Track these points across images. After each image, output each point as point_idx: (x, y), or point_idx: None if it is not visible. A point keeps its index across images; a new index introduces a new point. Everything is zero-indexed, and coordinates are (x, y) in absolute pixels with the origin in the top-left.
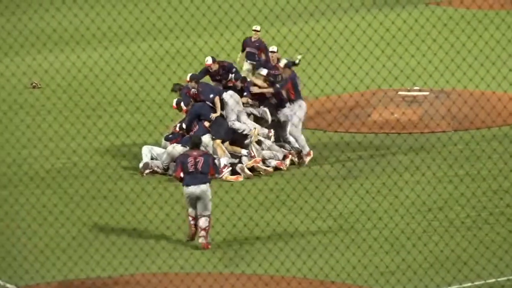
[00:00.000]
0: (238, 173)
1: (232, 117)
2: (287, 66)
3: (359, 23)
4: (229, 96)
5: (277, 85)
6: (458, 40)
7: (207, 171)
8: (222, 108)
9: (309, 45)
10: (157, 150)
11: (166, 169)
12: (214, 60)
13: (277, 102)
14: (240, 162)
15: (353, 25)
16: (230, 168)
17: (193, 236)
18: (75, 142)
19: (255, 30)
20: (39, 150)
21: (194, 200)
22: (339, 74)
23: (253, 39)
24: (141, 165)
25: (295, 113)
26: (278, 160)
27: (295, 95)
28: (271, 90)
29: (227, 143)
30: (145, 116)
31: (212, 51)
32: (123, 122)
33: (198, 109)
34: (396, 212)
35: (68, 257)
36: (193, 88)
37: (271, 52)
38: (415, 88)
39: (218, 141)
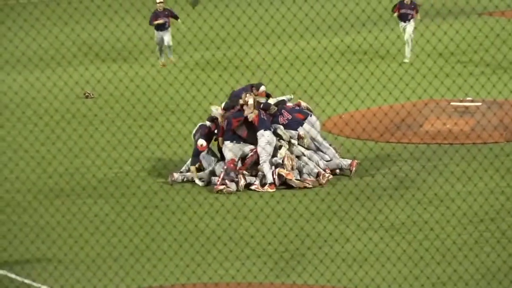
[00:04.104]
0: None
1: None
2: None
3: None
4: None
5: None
6: (511, 50)
7: None
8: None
9: (361, 55)
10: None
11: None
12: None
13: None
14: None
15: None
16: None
17: None
18: (127, 151)
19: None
20: (91, 159)
21: None
22: (391, 84)
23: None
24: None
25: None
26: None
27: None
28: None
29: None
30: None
31: (264, 61)
32: (175, 132)
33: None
34: (448, 223)
35: (120, 267)
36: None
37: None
38: (468, 98)
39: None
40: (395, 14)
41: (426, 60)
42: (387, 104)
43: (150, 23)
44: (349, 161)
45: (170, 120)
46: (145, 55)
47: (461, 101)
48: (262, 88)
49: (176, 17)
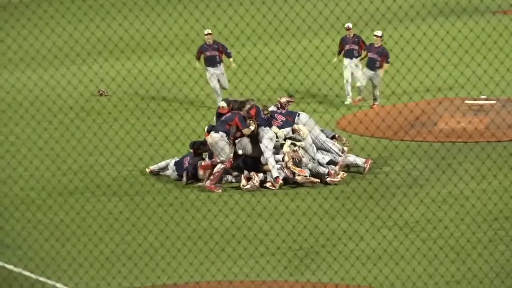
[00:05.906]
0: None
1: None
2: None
3: (426, 32)
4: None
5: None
6: None
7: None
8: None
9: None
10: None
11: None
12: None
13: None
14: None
15: (420, 34)
16: (282, 182)
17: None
18: (142, 149)
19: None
20: (105, 157)
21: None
22: (405, 83)
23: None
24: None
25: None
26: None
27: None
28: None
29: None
30: (212, 124)
31: (278, 59)
32: (189, 129)
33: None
34: (462, 221)
35: (134, 264)
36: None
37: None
38: (482, 97)
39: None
40: (338, 57)
41: (440, 58)
42: (401, 103)
43: (197, 58)
44: (363, 160)
45: (185, 118)
46: (159, 53)
47: (475, 100)
48: (221, 104)
49: (228, 55)
